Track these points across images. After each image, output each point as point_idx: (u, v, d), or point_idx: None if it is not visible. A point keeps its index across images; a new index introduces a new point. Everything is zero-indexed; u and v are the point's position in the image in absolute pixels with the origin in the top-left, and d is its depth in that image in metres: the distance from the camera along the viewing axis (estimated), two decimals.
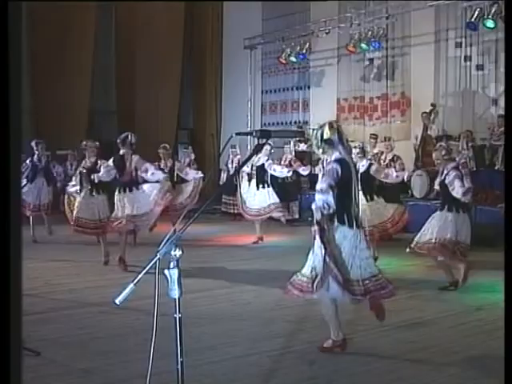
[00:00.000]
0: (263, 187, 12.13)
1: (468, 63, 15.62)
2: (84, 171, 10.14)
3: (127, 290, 2.60)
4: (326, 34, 17.75)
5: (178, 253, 2.62)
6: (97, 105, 20.54)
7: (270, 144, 11.68)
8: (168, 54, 20.77)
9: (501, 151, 13.38)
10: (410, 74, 16.78)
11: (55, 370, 5.19)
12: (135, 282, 2.59)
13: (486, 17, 14.09)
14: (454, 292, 8.04)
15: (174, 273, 2.64)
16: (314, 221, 5.42)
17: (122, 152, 9.63)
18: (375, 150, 13.88)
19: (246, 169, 12.22)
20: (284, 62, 19.11)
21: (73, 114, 19.18)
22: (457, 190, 7.91)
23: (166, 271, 2.64)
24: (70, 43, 19.14)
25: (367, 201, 9.81)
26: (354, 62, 18.16)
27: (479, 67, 15.43)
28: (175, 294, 2.67)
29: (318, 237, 5.42)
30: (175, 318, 2.72)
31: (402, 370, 5.32)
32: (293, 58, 18.75)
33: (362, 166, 9.91)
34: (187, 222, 2.69)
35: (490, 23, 14.14)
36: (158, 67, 20.43)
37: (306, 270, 5.56)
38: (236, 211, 16.74)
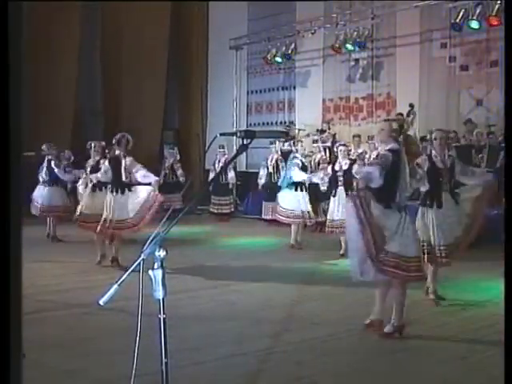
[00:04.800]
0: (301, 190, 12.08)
1: (453, 64, 15.69)
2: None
3: (111, 291, 2.59)
4: (312, 34, 17.80)
5: (162, 253, 2.62)
6: (83, 105, 20.45)
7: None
8: (154, 54, 20.72)
9: (485, 152, 13.45)
10: (395, 74, 16.82)
11: (40, 372, 5.15)
12: (119, 282, 2.58)
13: (470, 18, 14.17)
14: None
15: (158, 273, 2.63)
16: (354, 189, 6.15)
17: (116, 152, 9.76)
18: (359, 150, 13.93)
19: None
20: (269, 62, 19.12)
21: (59, 114, 19.09)
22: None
23: (150, 272, 2.63)
24: (56, 43, 19.03)
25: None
26: (340, 63, 18.18)
27: (464, 68, 15.51)
28: (159, 294, 2.66)
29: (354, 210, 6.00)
30: (159, 318, 2.71)
31: (388, 369, 5.33)
32: (278, 59, 18.77)
33: (345, 164, 10.88)
34: (171, 222, 2.68)
35: (474, 24, 14.22)
36: (144, 67, 20.37)
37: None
38: (225, 211, 16.76)
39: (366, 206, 5.94)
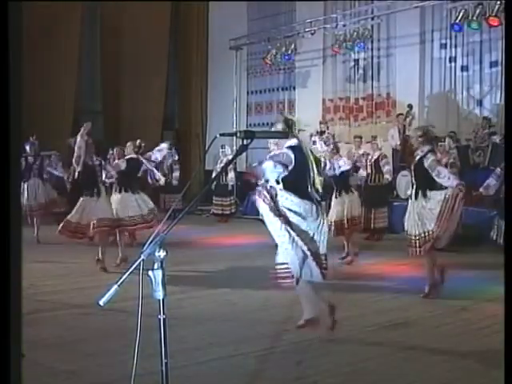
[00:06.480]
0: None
1: (453, 64, 15.70)
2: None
3: (111, 291, 2.58)
4: (312, 34, 17.78)
5: (162, 254, 2.61)
6: (82, 105, 20.45)
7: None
8: (154, 55, 20.74)
9: (487, 151, 13.45)
10: (395, 74, 16.83)
11: (40, 372, 5.16)
12: (119, 283, 2.57)
13: (470, 18, 14.17)
14: None
15: (158, 274, 2.62)
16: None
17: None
18: (360, 151, 13.92)
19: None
20: (269, 62, 19.12)
21: (58, 114, 19.09)
22: (447, 177, 7.37)
23: (149, 272, 2.63)
24: (56, 43, 19.04)
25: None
26: (340, 63, 18.19)
27: (464, 68, 15.51)
28: (159, 295, 2.65)
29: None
30: (159, 319, 2.71)
31: (387, 370, 5.33)
32: (278, 59, 18.77)
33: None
34: (171, 222, 2.68)
35: (474, 24, 14.22)
36: (144, 67, 20.39)
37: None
38: (226, 212, 16.75)
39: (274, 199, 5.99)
